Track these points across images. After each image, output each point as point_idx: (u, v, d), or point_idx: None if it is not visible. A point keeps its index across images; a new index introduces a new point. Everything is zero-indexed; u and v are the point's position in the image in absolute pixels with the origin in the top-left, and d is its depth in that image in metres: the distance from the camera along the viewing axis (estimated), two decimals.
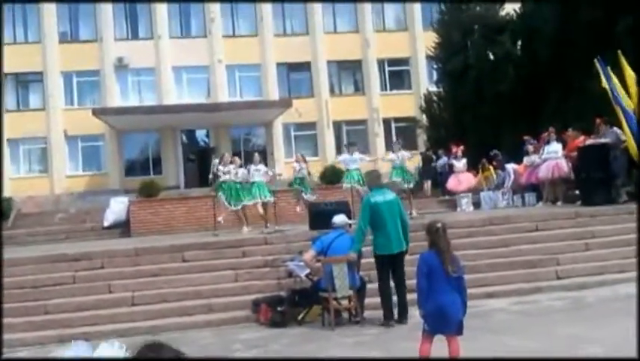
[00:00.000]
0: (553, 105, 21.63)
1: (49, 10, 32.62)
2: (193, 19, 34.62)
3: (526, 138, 19.32)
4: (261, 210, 16.72)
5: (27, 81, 33.16)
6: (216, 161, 16.47)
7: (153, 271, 11.73)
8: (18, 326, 10.05)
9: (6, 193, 28.44)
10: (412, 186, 17.79)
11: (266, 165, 28.31)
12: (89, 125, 30.70)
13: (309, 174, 18.06)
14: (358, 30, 35.63)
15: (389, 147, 33.24)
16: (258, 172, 16.96)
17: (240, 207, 16.25)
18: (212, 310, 10.60)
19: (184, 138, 34.12)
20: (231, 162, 16.49)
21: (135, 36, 34.09)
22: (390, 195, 9.79)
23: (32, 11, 32.95)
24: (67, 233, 21.98)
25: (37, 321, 10.21)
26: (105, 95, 32.88)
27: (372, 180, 10.09)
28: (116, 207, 22.77)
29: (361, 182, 16.24)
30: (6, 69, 31.52)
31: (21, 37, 33.11)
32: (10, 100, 32.51)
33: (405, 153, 17.84)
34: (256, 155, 18.17)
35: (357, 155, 17.50)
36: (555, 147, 17.50)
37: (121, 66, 33.06)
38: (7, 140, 31.67)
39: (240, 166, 16.88)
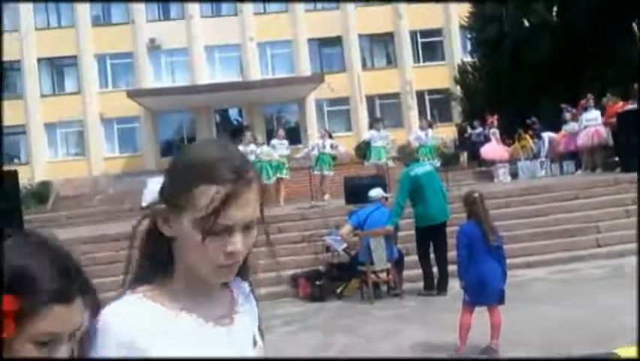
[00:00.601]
0: (591, 72, 21.20)
1: None
2: None
3: (563, 105, 19.01)
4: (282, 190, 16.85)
5: (62, 65, 33.50)
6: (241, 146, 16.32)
7: None
8: None
9: (44, 177, 29.00)
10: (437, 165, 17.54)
11: (299, 142, 28.34)
12: (124, 108, 30.96)
13: (332, 147, 17.76)
14: (390, 2, 35.22)
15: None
16: (282, 146, 16.99)
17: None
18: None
19: (217, 117, 34.27)
20: (254, 141, 16.34)
21: (167, 17, 34.21)
22: (427, 167, 9.89)
23: None
24: (107, 214, 22.21)
25: None
26: (139, 76, 33.11)
27: (408, 154, 10.04)
28: (154, 187, 22.51)
29: (385, 157, 16.23)
30: (40, 54, 32.13)
31: (54, 21, 33.46)
32: (45, 85, 32.98)
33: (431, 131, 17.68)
34: (280, 130, 18.16)
35: (383, 132, 17.32)
36: (594, 114, 17.23)
37: (154, 47, 33.23)
38: (44, 124, 32.29)
39: (263, 143, 16.83)
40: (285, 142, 17.55)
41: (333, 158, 17.53)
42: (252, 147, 16.09)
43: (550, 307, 8.01)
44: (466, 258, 6.06)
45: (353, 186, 13.35)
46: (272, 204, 16.91)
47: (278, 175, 16.79)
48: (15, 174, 14.86)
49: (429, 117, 31.54)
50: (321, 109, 34.45)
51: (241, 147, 15.66)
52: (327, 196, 16.96)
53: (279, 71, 34.20)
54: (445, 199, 9.53)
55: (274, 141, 17.50)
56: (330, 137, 18.13)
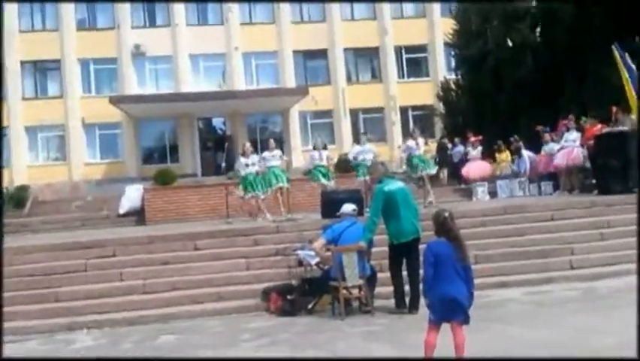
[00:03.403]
0: (571, 93, 21.35)
1: None
2: (210, 7, 34.54)
3: (539, 127, 19.14)
4: (279, 197, 16.65)
5: (45, 69, 33.32)
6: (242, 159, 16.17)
7: (165, 259, 11.73)
8: (30, 314, 10.11)
9: (23, 181, 28.75)
10: (432, 172, 17.51)
11: (282, 153, 28.33)
12: (106, 113, 30.81)
13: (329, 159, 17.87)
14: (376, 17, 35.40)
15: (406, 135, 32.98)
16: (274, 158, 16.87)
17: (262, 196, 16.12)
18: (222, 299, 10.58)
19: (201, 125, 34.18)
20: (252, 152, 16.20)
21: (153, 24, 34.16)
22: (400, 183, 9.85)
23: None
24: (83, 221, 22.10)
25: (48, 308, 10.24)
26: (122, 83, 33.00)
27: (381, 170, 9.99)
28: (132, 195, 22.84)
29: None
30: (24, 57, 32.00)
31: (39, 24, 33.29)
32: (28, 87, 32.77)
33: (421, 140, 17.64)
34: (271, 141, 18.08)
35: (368, 146, 17.25)
36: (574, 136, 17.36)
37: (138, 54, 33.16)
38: (25, 127, 32.06)
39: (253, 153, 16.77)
40: (277, 152, 17.35)
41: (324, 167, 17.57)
42: (255, 158, 16.01)
43: (520, 328, 7.98)
44: (431, 276, 6.02)
45: (329, 200, 13.32)
46: (276, 214, 16.73)
47: (279, 184, 16.59)
48: None
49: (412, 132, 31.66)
50: (305, 121, 34.50)
51: (243, 159, 15.68)
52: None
53: (264, 82, 34.24)
54: (417, 216, 9.48)
55: (265, 153, 17.33)
56: (325, 148, 18.22)
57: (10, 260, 11.50)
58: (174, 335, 9.00)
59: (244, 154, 16.24)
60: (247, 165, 15.92)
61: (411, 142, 17.45)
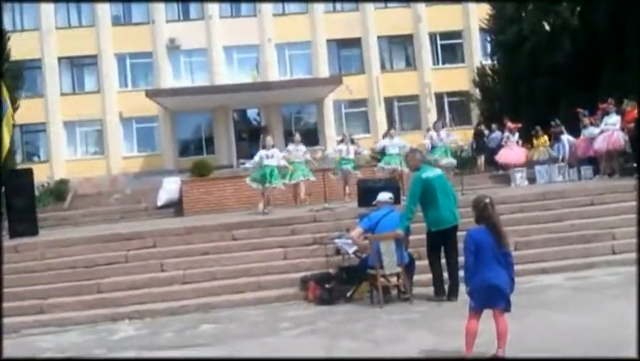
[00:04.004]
0: (611, 76, 20.93)
1: None
2: None
3: (579, 110, 18.82)
4: (303, 191, 16.76)
5: (82, 64, 33.73)
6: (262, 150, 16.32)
7: (204, 249, 11.86)
8: (72, 305, 10.28)
9: (63, 175, 29.21)
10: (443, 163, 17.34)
11: (317, 143, 28.43)
12: (143, 107, 31.15)
13: (356, 153, 17.89)
14: (410, 5, 35.09)
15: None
16: (297, 152, 16.96)
17: (276, 186, 16.20)
18: (261, 288, 10.64)
19: (236, 117, 34.32)
20: (273, 146, 16.38)
21: (187, 17, 34.35)
22: (438, 171, 9.79)
23: None
24: (123, 213, 22.35)
25: (89, 300, 10.40)
26: (158, 76, 33.28)
27: (418, 158, 9.90)
28: (169, 187, 23.00)
29: (399, 165, 16.13)
30: (61, 53, 32.43)
31: (75, 21, 33.70)
32: (65, 83, 33.26)
33: (443, 134, 17.45)
34: (297, 135, 18.16)
35: (397, 140, 17.21)
36: (614, 119, 17.05)
37: (173, 47, 33.40)
38: (64, 122, 32.57)
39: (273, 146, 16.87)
40: (302, 147, 17.42)
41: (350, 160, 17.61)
42: (275, 150, 16.15)
43: (561, 314, 7.89)
44: (472, 263, 5.97)
45: (367, 188, 13.25)
46: (289, 205, 16.92)
47: (300, 178, 16.75)
48: (30, 172, 15.04)
49: (447, 120, 31.47)
50: (340, 110, 34.43)
51: (263, 152, 15.77)
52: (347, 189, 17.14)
53: (297, 72, 34.24)
54: (456, 203, 9.42)
55: (290, 147, 17.45)
56: (353, 142, 18.21)
57: (52, 253, 11.73)
58: (214, 325, 9.09)
59: (265, 147, 16.25)
60: (267, 157, 15.87)
61: (434, 133, 17.41)
